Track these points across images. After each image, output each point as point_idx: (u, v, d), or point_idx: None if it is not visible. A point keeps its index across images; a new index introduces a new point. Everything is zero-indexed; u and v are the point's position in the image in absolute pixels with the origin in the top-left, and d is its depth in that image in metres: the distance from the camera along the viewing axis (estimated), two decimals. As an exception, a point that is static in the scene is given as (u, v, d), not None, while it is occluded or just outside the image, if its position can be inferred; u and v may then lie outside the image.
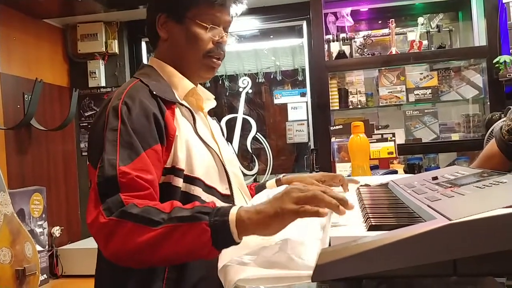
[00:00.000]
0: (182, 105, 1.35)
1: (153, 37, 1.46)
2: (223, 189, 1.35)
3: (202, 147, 1.33)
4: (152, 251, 1.02)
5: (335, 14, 3.95)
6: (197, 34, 1.38)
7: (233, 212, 0.99)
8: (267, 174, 5.04)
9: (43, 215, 3.57)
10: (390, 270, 0.68)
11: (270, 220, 0.96)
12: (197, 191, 1.27)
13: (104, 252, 1.06)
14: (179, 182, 1.25)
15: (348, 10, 3.91)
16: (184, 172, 1.26)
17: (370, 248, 0.69)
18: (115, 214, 1.04)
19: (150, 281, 1.22)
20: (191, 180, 1.26)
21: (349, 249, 0.70)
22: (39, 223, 3.53)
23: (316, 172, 3.95)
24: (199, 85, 1.49)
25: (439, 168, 3.68)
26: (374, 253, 0.69)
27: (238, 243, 0.99)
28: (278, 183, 1.61)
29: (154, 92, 1.28)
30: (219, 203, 1.22)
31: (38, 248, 3.17)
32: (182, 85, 1.40)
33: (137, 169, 1.12)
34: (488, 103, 3.60)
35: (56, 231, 3.87)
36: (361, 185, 1.55)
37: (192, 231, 0.99)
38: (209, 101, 1.52)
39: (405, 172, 3.37)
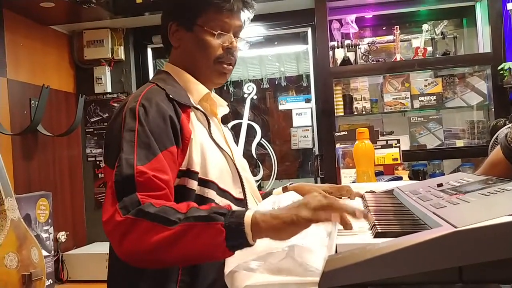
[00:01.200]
0: (197, 109, 1.37)
1: (167, 44, 1.48)
2: (237, 193, 1.36)
3: (217, 151, 1.35)
4: (167, 250, 1.02)
5: (339, 21, 3.96)
6: (206, 41, 1.40)
7: (248, 215, 1.00)
8: (272, 179, 5.05)
9: (49, 220, 3.59)
10: (396, 277, 0.69)
11: (285, 225, 0.97)
12: (211, 194, 1.28)
13: (117, 250, 1.06)
14: (194, 184, 1.26)
15: (352, 17, 3.92)
16: (199, 175, 1.27)
17: (376, 255, 0.70)
18: (132, 213, 1.04)
19: (163, 284, 1.23)
20: (205, 183, 1.28)
21: (355, 256, 0.71)
22: (45, 228, 3.55)
23: (321, 177, 3.95)
24: (213, 91, 1.51)
25: (443, 174, 3.68)
26: (381, 260, 0.69)
27: (252, 245, 1.00)
28: (285, 190, 1.61)
29: (171, 96, 1.30)
30: (233, 207, 1.25)
31: (44, 253, 3.18)
32: (197, 90, 1.42)
33: (154, 169, 1.13)
34: (493, 109, 3.60)
35: (62, 236, 3.89)
36: (366, 192, 1.56)
37: (208, 231, 1.00)
38: (222, 108, 1.55)
39: (410, 178, 3.37)
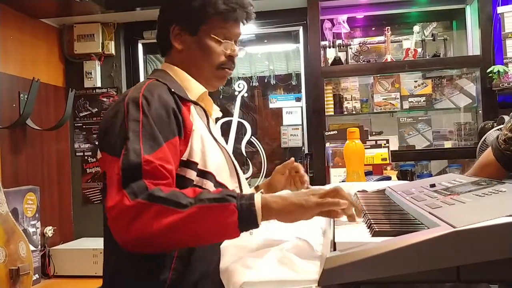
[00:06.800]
0: (197, 104, 1.41)
1: (165, 45, 1.51)
2: (233, 188, 1.41)
3: (215, 145, 1.39)
4: (179, 232, 1.05)
5: (331, 20, 3.97)
6: (211, 47, 1.45)
7: (257, 196, 1.07)
8: (261, 177, 5.05)
9: (36, 215, 3.56)
10: (396, 275, 0.71)
11: (295, 207, 1.05)
12: (209, 185, 1.32)
13: (123, 235, 1.07)
14: (193, 175, 1.30)
15: (344, 17, 3.94)
16: (198, 166, 1.31)
17: (376, 253, 0.71)
18: (142, 197, 1.07)
19: (157, 271, 1.25)
20: (204, 174, 1.32)
21: (356, 255, 0.72)
22: (32, 222, 3.52)
23: (310, 176, 3.96)
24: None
25: (431, 175, 3.71)
26: (381, 258, 0.71)
27: (258, 227, 1.07)
28: (257, 190, 1.68)
29: (172, 90, 1.34)
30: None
31: (31, 248, 3.15)
32: (194, 88, 1.45)
33: (159, 159, 1.16)
34: (481, 112, 3.64)
35: (49, 231, 3.86)
36: (358, 191, 1.58)
37: (222, 212, 1.05)
38: (215, 112, 1.59)
39: (398, 178, 3.40)
